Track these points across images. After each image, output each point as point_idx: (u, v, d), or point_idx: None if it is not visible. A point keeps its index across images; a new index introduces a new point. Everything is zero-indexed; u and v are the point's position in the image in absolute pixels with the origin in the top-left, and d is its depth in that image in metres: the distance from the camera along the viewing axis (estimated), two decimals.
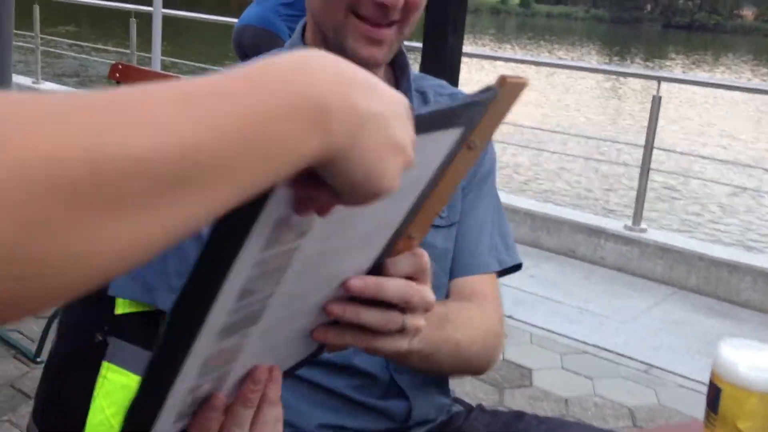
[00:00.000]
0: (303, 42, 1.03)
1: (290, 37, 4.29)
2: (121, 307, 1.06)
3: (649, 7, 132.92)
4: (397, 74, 1.09)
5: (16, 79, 6.46)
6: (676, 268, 4.06)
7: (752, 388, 0.85)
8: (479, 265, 1.15)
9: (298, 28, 1.06)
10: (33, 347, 2.73)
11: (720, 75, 31.42)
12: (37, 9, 6.97)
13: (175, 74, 2.97)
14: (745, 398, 0.85)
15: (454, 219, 1.12)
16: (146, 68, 3.49)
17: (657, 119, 4.28)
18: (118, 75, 3.08)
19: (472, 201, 1.15)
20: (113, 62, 3.14)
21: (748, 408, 0.85)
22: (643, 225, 4.32)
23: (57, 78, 10.54)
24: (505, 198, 4.93)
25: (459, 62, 2.73)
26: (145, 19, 5.92)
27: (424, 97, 1.12)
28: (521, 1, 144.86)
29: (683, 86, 15.02)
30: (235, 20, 5.12)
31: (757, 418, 0.85)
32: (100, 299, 1.06)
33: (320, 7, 0.97)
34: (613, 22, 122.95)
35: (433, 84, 1.16)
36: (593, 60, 34.68)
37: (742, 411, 0.86)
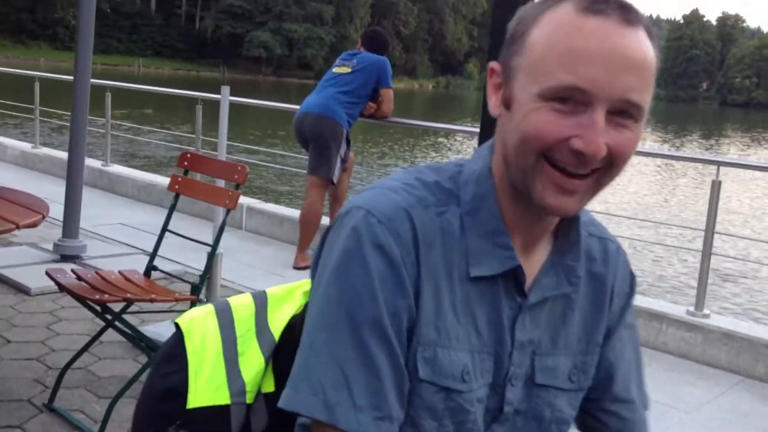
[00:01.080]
0: (490, 172, 0.98)
1: (348, 123, 4.45)
2: (193, 402, 1.10)
3: (705, 85, 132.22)
4: (563, 223, 1.01)
5: (88, 162, 6.78)
6: (741, 355, 3.93)
7: None
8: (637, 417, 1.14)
9: (488, 146, 1.01)
10: (95, 428, 2.78)
11: None
12: (108, 96, 7.35)
13: (239, 163, 3.09)
14: None
15: (584, 384, 1.08)
16: (212, 157, 3.62)
17: (717, 203, 4.23)
18: (186, 163, 3.23)
19: (617, 352, 1.11)
20: (182, 149, 3.31)
21: None
22: (706, 310, 4.21)
23: (123, 160, 11.00)
24: None
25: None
26: (208, 106, 6.22)
27: (588, 253, 1.06)
28: None
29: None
30: (296, 107, 5.32)
31: None
32: (176, 394, 1.10)
33: (513, 147, 0.91)
34: (670, 100, 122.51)
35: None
36: (648, 138, 34.45)
37: None
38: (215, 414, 1.10)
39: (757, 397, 3.69)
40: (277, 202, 7.54)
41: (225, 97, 3.70)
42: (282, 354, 1.20)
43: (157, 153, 13.34)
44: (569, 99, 0.85)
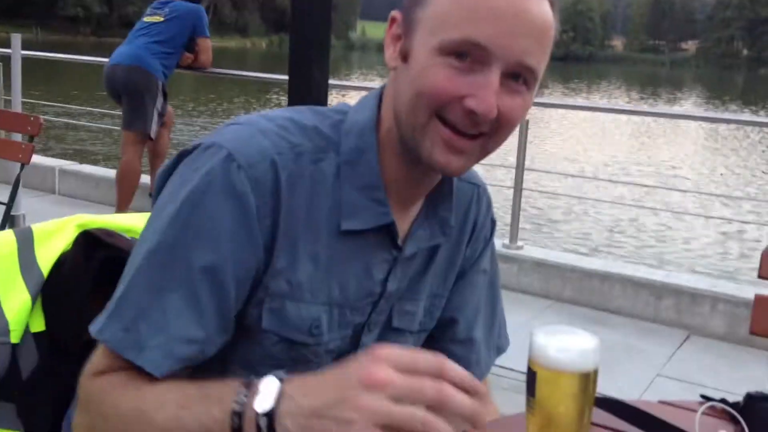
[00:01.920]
0: (375, 125, 0.95)
1: (164, 74, 4.23)
2: None
3: None
4: (434, 193, 1.01)
5: None
6: (551, 281, 4.23)
7: (562, 369, 0.90)
8: (483, 373, 1.15)
9: (374, 95, 0.98)
10: None
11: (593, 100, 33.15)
12: None
13: (32, 114, 2.87)
14: (556, 379, 0.90)
15: (429, 326, 1.10)
16: (3, 110, 3.35)
17: (525, 142, 4.47)
18: None
19: (464, 295, 1.12)
20: None
21: (561, 390, 0.90)
22: (520, 243, 4.48)
23: None
24: None
25: (326, 96, 2.76)
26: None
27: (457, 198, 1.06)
28: None
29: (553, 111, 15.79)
30: (106, 60, 5.01)
31: (570, 400, 0.90)
32: None
33: (406, 102, 0.89)
34: None
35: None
36: None
37: (557, 393, 0.90)
38: None
39: (566, 317, 4.00)
40: (95, 164, 7.13)
41: (16, 47, 3.42)
42: (52, 291, 1.14)
43: None
44: (467, 56, 0.85)
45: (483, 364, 1.15)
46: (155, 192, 0.95)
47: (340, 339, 0.98)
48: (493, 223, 1.15)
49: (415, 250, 1.00)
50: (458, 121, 0.86)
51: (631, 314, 4.02)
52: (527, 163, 4.55)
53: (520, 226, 4.60)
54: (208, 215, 0.86)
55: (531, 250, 4.48)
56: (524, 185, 4.61)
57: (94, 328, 0.87)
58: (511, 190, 4.62)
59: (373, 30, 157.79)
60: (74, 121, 8.36)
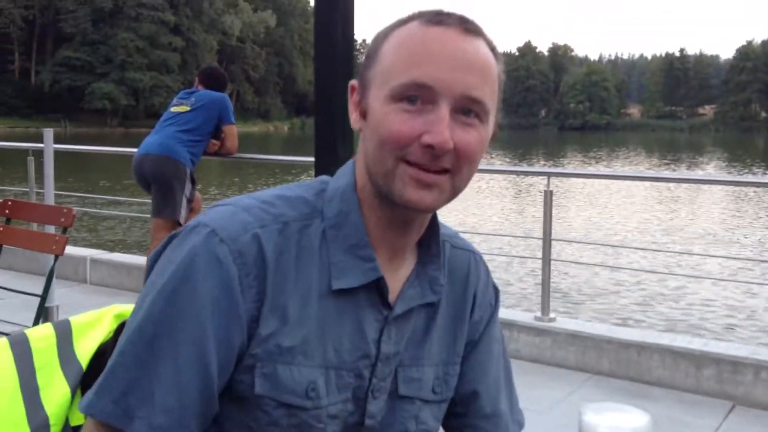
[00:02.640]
0: (354, 187, 1.00)
1: (192, 162, 4.35)
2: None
3: (543, 112, 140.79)
4: (425, 235, 1.04)
5: None
6: (587, 353, 4.14)
7: None
8: None
9: (350, 163, 1.03)
10: None
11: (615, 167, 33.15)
12: None
13: (65, 206, 2.93)
14: None
15: (448, 395, 1.09)
16: (36, 203, 3.42)
17: (551, 212, 4.46)
18: (7, 211, 3.02)
19: (483, 365, 1.12)
20: (2, 199, 3.09)
21: None
22: (552, 314, 4.41)
23: None
24: None
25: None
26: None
27: (452, 263, 1.09)
28: None
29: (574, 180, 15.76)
30: (134, 150, 5.14)
31: None
32: None
33: (372, 156, 0.95)
34: (512, 128, 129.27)
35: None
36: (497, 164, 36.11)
37: None
38: None
39: (605, 390, 3.89)
40: (129, 252, 7.22)
41: (48, 142, 3.53)
42: (92, 383, 1.13)
43: None
44: (416, 99, 0.91)
45: None
46: (146, 272, 0.98)
47: (341, 403, 0.97)
48: (496, 290, 1.18)
49: (405, 308, 1.01)
50: (420, 159, 0.91)
51: (671, 386, 3.91)
52: (554, 234, 4.54)
53: (552, 297, 4.54)
54: (191, 289, 0.89)
55: (564, 322, 4.41)
56: (552, 256, 4.57)
57: (82, 404, 0.91)
58: (539, 262, 4.58)
59: None
60: (105, 211, 8.51)
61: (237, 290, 0.90)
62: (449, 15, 0.95)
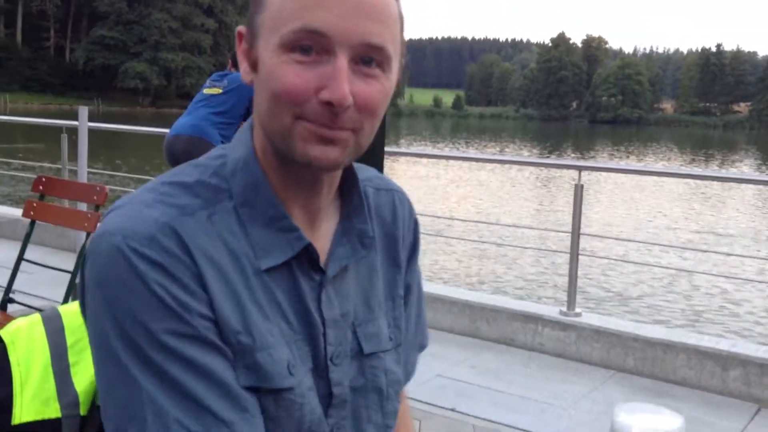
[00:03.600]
0: (255, 154, 0.93)
1: (223, 144, 4.35)
2: (20, 417, 1.03)
3: (574, 104, 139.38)
4: (344, 187, 0.99)
5: None
6: (612, 350, 4.11)
7: None
8: (409, 373, 1.13)
9: (246, 128, 0.96)
10: None
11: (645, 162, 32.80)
12: None
13: (98, 184, 2.96)
14: None
15: (401, 339, 1.06)
16: (69, 180, 3.46)
17: (581, 206, 4.42)
18: (41, 188, 3.06)
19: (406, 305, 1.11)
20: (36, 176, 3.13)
21: None
22: (578, 309, 4.38)
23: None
24: (442, 289, 4.96)
25: (382, 163, 2.79)
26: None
27: (377, 209, 1.05)
28: (454, 103, 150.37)
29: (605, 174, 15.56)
30: (164, 130, 5.18)
31: None
32: (1, 409, 1.02)
33: (266, 113, 0.87)
34: (543, 119, 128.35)
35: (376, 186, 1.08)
36: (525, 154, 35.89)
37: None
38: (45, 428, 1.03)
39: (629, 388, 3.86)
40: None
41: (83, 120, 3.55)
42: None
43: (23, 189, 12.67)
44: (311, 49, 0.83)
45: (410, 366, 1.12)
46: (81, 306, 0.90)
47: (309, 372, 0.93)
48: (416, 224, 1.13)
49: (338, 269, 0.96)
50: (319, 116, 0.84)
51: (696, 386, 3.87)
52: (582, 228, 4.49)
53: (578, 292, 4.50)
54: (141, 293, 0.81)
55: (590, 318, 4.38)
56: (580, 250, 4.53)
57: None
58: (567, 256, 4.54)
59: (420, 96, 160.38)
60: (136, 190, 8.61)
61: (187, 279, 0.83)
62: None
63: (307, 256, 0.93)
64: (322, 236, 0.97)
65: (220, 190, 0.90)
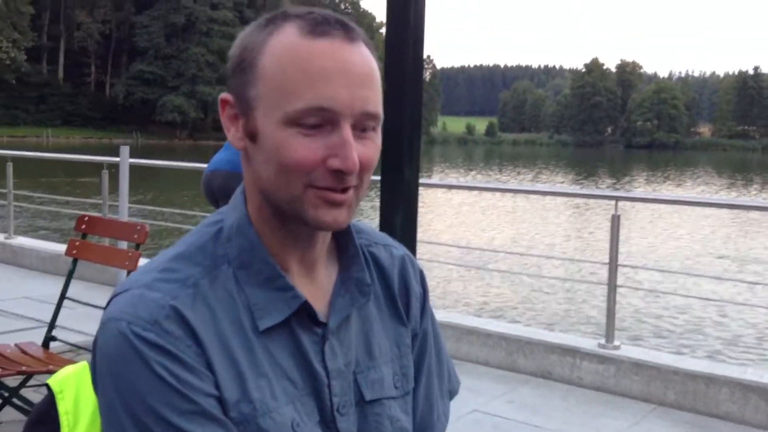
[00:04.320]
0: (249, 219, 0.96)
1: None
2: None
3: (609, 129, 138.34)
4: (340, 239, 1.03)
5: None
6: (652, 384, 4.04)
7: None
8: (443, 423, 1.14)
9: (239, 192, 0.99)
10: None
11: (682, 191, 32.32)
12: (10, 166, 7.12)
13: (139, 221, 3.03)
14: None
15: (409, 387, 1.07)
16: (112, 218, 3.54)
17: (618, 237, 4.38)
18: (84, 227, 3.14)
19: (420, 355, 1.11)
20: (80, 214, 3.22)
21: None
22: (617, 342, 4.32)
23: (31, 232, 10.59)
24: (477, 321, 4.94)
25: (416, 194, 2.81)
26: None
27: (376, 261, 1.09)
28: (487, 130, 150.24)
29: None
30: (204, 165, 5.26)
31: None
32: None
33: (273, 179, 0.91)
34: (577, 145, 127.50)
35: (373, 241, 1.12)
36: (560, 182, 35.64)
37: None
38: None
39: (670, 423, 3.79)
40: None
41: (124, 157, 3.64)
42: None
43: (66, 223, 12.96)
44: (315, 121, 0.87)
45: (443, 416, 1.14)
46: (93, 383, 0.94)
47: (316, 426, 0.94)
48: (423, 277, 1.16)
49: (340, 320, 0.98)
50: (328, 183, 0.89)
51: (740, 420, 3.78)
52: (620, 259, 4.45)
53: (616, 325, 4.45)
54: (149, 381, 0.85)
55: (629, 350, 4.31)
56: (618, 282, 4.48)
57: None
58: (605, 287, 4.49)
59: (453, 124, 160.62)
60: (174, 225, 8.75)
61: (189, 359, 0.86)
62: (329, 22, 0.90)
63: (306, 312, 0.95)
64: (321, 287, 1.00)
65: (218, 256, 0.94)
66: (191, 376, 0.87)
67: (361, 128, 0.90)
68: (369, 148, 0.91)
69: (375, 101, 0.91)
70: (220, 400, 0.88)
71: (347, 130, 0.88)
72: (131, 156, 5.48)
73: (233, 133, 0.94)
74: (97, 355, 0.91)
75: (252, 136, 0.92)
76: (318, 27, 0.89)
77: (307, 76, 0.87)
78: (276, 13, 0.93)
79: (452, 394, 1.18)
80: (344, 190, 0.90)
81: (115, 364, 0.87)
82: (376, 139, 0.93)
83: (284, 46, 0.89)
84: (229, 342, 0.91)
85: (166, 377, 0.85)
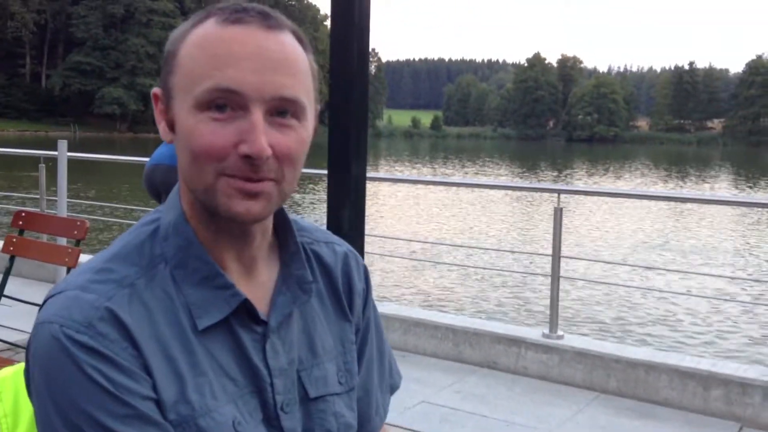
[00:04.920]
0: (185, 216, 0.94)
1: None
2: None
3: (551, 123, 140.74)
4: (280, 236, 1.02)
5: None
6: (595, 372, 4.13)
7: None
8: (381, 416, 1.14)
9: (176, 190, 0.97)
10: None
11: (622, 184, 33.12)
12: None
13: (79, 218, 2.95)
14: None
15: (352, 383, 1.07)
16: (50, 214, 3.44)
17: (561, 229, 4.46)
18: (21, 222, 3.04)
19: (360, 347, 1.11)
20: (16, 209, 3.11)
21: None
22: (560, 332, 4.41)
23: None
24: (424, 314, 4.97)
25: (364, 189, 2.81)
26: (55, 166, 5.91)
27: (319, 259, 1.08)
28: (432, 124, 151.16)
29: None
30: (146, 159, 5.16)
31: None
32: None
33: (188, 172, 0.89)
34: (520, 139, 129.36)
35: (315, 239, 1.11)
36: (504, 175, 36.14)
37: None
38: None
39: (612, 410, 3.88)
40: None
41: (62, 151, 3.54)
42: None
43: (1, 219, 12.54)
44: (225, 106, 0.86)
45: (381, 410, 1.15)
46: (27, 388, 0.92)
47: (260, 423, 0.94)
48: (365, 269, 1.16)
49: (281, 318, 0.97)
50: (240, 170, 0.86)
51: (679, 406, 3.90)
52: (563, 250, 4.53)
53: (560, 315, 4.53)
54: (85, 387, 0.83)
55: (572, 340, 4.40)
56: (561, 273, 4.57)
57: None
58: (548, 278, 4.58)
59: (399, 118, 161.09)
60: (115, 219, 8.55)
61: (124, 362, 0.85)
62: (247, 11, 0.89)
63: (246, 310, 0.94)
64: (262, 285, 0.98)
65: (155, 255, 0.92)
66: (127, 379, 0.84)
67: (280, 116, 0.88)
68: (288, 136, 0.88)
69: (294, 88, 0.88)
70: (158, 403, 0.86)
71: (257, 115, 0.86)
72: (69, 150, 5.35)
73: (162, 127, 0.93)
74: (30, 359, 0.88)
75: (172, 126, 0.91)
76: (233, 15, 0.89)
77: (215, 60, 0.86)
78: (205, 9, 0.93)
79: (393, 388, 1.19)
80: (259, 180, 0.87)
81: (49, 368, 0.85)
82: (300, 129, 0.90)
83: (200, 34, 0.89)
84: (166, 342, 0.89)
85: (100, 381, 0.83)
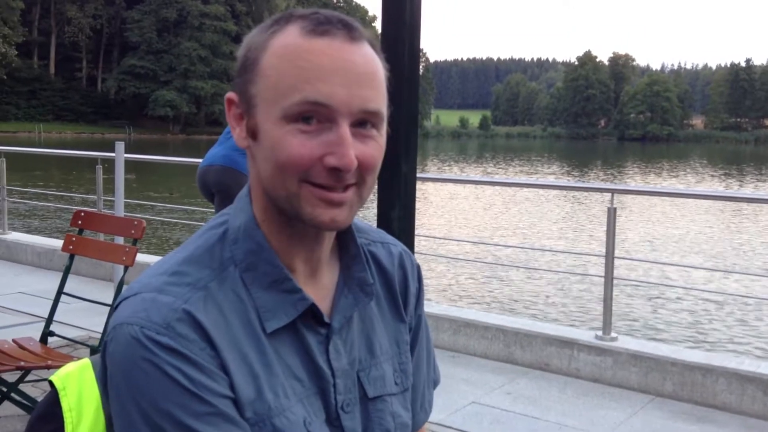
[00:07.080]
0: (255, 221, 0.96)
1: None
2: None
3: (603, 122, 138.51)
4: (341, 238, 1.03)
5: None
6: (650, 374, 4.05)
7: None
8: (426, 411, 1.16)
9: (244, 193, 0.99)
10: None
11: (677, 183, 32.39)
12: (3, 162, 7.08)
13: (137, 216, 3.01)
14: None
15: (408, 384, 1.09)
16: (108, 214, 3.53)
17: (614, 229, 4.38)
18: (80, 222, 3.12)
19: (412, 346, 1.13)
20: (76, 209, 3.19)
21: None
22: (614, 334, 4.33)
23: (25, 228, 10.54)
24: (475, 314, 4.94)
25: (414, 189, 2.80)
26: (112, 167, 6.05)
27: (376, 260, 1.09)
28: (480, 124, 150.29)
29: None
30: (199, 160, 5.25)
31: None
32: None
33: (270, 177, 0.91)
34: (571, 138, 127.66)
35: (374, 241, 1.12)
36: (554, 175, 35.73)
37: None
38: None
39: (667, 414, 3.80)
40: None
41: (120, 153, 3.62)
42: None
43: (61, 218, 12.90)
44: (312, 118, 0.87)
45: (427, 405, 1.17)
46: (101, 386, 0.94)
47: (323, 424, 0.95)
48: (419, 270, 1.17)
49: (343, 320, 0.99)
50: (324, 180, 0.88)
51: (738, 410, 3.79)
52: (617, 252, 4.45)
53: (613, 316, 4.45)
54: (166, 386, 0.84)
55: (626, 342, 4.32)
56: (615, 274, 4.48)
57: None
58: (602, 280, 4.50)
59: (447, 118, 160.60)
60: (171, 219, 8.71)
61: (204, 362, 0.86)
62: (331, 21, 0.90)
63: (311, 313, 0.96)
64: (324, 287, 1.00)
65: (225, 258, 0.94)
66: (206, 379, 0.86)
67: (362, 127, 0.90)
68: (370, 147, 0.90)
69: (376, 100, 0.90)
70: (236, 401, 0.88)
71: (345, 128, 0.88)
72: (126, 152, 5.47)
73: (238, 132, 0.95)
74: (108, 360, 0.90)
75: (253, 134, 0.93)
76: (319, 26, 0.89)
77: (304, 73, 0.87)
78: (282, 14, 0.94)
79: (435, 383, 1.20)
80: (344, 189, 0.89)
81: (129, 368, 0.87)
82: (379, 138, 0.92)
83: (285, 45, 0.90)
84: (241, 343, 0.91)
85: (181, 380, 0.85)
